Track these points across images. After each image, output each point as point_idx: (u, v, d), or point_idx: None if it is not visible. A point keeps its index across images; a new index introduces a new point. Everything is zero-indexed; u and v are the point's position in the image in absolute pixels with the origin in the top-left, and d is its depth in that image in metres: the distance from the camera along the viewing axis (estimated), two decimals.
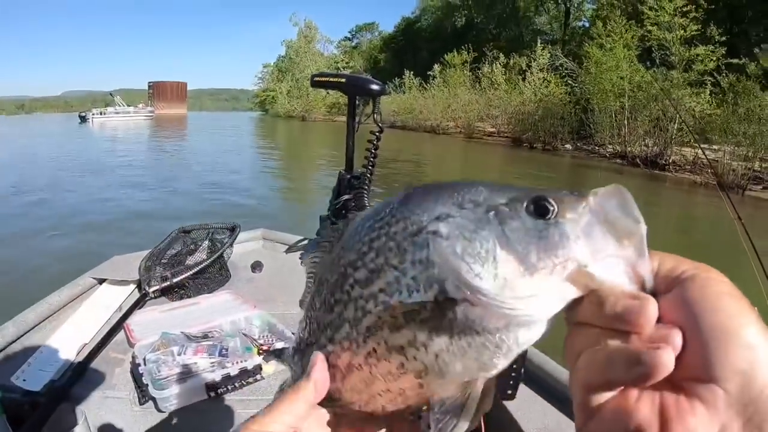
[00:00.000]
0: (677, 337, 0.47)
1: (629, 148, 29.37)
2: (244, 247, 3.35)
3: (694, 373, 0.46)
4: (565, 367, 1.88)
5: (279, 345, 2.17)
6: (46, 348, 2.19)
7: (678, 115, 24.64)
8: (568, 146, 35.21)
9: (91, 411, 1.86)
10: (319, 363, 0.69)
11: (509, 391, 1.49)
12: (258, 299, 2.66)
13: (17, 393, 1.86)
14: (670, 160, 26.45)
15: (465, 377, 0.61)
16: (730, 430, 0.45)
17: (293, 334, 2.06)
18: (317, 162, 23.89)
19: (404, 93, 57.21)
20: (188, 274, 2.70)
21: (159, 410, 1.88)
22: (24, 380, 1.95)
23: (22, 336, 2.29)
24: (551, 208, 0.56)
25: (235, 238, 3.08)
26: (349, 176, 2.80)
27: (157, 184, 17.27)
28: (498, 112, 42.93)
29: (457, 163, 28.17)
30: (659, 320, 0.49)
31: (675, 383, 0.47)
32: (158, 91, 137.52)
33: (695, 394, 0.46)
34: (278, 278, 3.06)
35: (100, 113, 79.40)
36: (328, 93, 73.14)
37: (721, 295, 0.48)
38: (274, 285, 2.97)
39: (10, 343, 2.22)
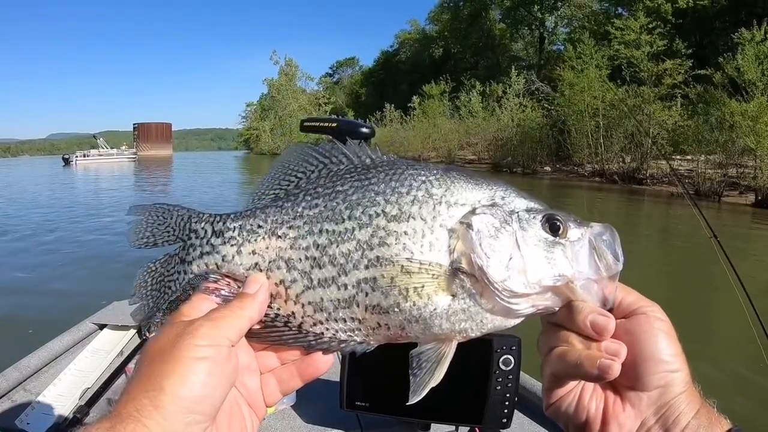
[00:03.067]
0: (624, 352, 0.72)
1: (607, 166, 29.73)
2: None
3: (629, 383, 0.74)
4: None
5: (285, 399, 2.14)
6: (48, 393, 2.16)
7: (649, 130, 25.69)
8: (547, 168, 35.25)
9: None
10: (264, 284, 0.78)
11: (504, 420, 1.67)
12: None
13: None
14: (648, 174, 26.94)
15: (444, 334, 0.77)
16: (648, 423, 0.74)
17: None
18: None
19: (385, 126, 57.14)
20: None
21: None
22: (27, 423, 1.95)
23: (24, 381, 2.30)
24: (561, 228, 0.75)
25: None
26: None
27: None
28: (477, 140, 42.99)
29: None
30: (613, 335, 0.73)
31: (615, 386, 0.77)
32: (143, 133, 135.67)
33: (627, 398, 0.76)
34: None
35: (84, 155, 78.53)
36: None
37: (659, 332, 0.74)
38: None
39: (14, 388, 2.24)
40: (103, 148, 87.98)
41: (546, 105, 37.83)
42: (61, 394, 2.19)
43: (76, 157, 76.66)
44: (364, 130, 2.31)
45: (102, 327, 2.83)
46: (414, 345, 0.81)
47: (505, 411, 1.65)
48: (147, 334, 2.50)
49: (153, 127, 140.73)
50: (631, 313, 0.77)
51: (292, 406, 2.19)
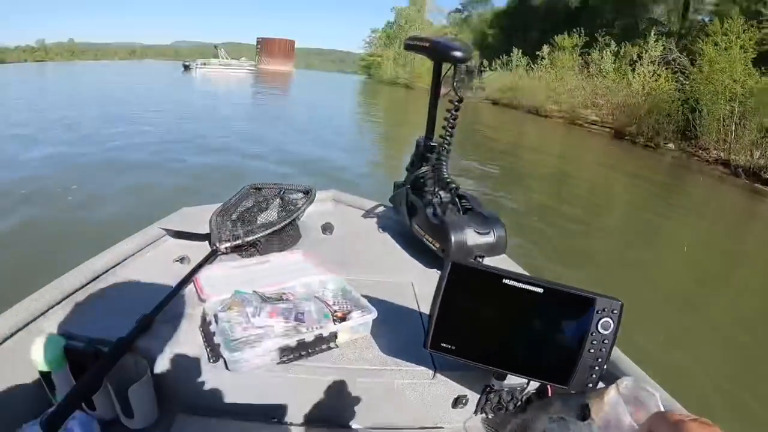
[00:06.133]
0: None
1: (733, 157, 27.33)
2: (315, 208, 3.18)
3: None
4: (637, 364, 1.98)
5: (356, 314, 2.06)
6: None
7: None
8: (670, 145, 33.51)
9: (157, 364, 1.81)
10: None
11: (590, 385, 1.59)
12: (329, 262, 2.51)
13: (80, 342, 1.81)
14: None
15: None
16: None
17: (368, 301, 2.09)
18: (414, 129, 22.99)
19: (511, 71, 56.64)
20: (262, 233, 2.54)
21: (228, 370, 1.80)
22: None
23: (87, 284, 2.22)
24: (588, 414, 0.84)
25: (311, 202, 2.92)
26: (430, 144, 2.96)
27: (231, 135, 17.25)
28: (603, 101, 41.60)
29: (556, 149, 27.22)
30: None
31: None
32: (266, 47, 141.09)
33: None
34: (349, 242, 2.95)
35: (203, 64, 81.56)
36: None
37: None
38: (345, 248, 2.84)
39: (76, 291, 2.15)
40: (223, 58, 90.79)
41: (681, 78, 36.09)
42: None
43: (197, 64, 79.71)
44: (457, 53, 2.43)
45: (170, 233, 2.77)
46: None
47: (593, 376, 1.59)
48: (217, 245, 2.52)
49: (276, 43, 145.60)
50: None
51: (365, 337, 2.10)
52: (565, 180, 16.73)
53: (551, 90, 46.98)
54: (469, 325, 1.69)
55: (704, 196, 18.85)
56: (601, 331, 1.56)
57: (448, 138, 2.68)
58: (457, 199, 2.70)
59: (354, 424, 1.98)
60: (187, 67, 76.86)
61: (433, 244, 2.63)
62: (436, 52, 2.65)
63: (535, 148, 25.48)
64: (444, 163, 2.73)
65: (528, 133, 33.63)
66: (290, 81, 76.15)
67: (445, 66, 2.70)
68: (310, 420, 1.94)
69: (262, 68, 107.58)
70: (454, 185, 2.66)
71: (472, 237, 2.51)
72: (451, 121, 2.64)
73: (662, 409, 0.69)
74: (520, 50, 58.42)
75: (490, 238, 2.55)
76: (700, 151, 30.81)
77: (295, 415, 1.93)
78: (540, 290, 1.55)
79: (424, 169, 2.88)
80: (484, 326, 1.65)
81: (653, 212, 13.48)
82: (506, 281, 1.57)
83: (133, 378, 1.73)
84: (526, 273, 2.08)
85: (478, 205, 2.73)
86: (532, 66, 54.39)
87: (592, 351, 1.57)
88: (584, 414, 0.63)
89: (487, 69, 61.74)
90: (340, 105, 39.18)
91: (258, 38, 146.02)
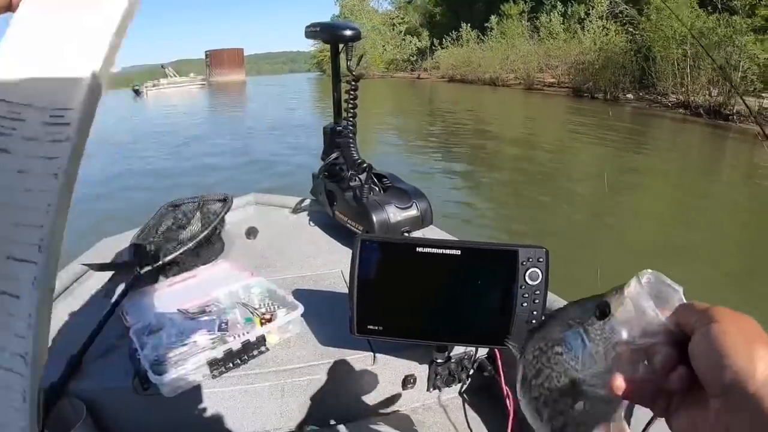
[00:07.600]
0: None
1: (692, 98, 27.62)
2: (237, 214, 3.10)
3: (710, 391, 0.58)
4: None
5: (281, 312, 1.98)
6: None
7: (739, 64, 23.63)
8: (629, 96, 33.61)
9: (92, 405, 1.73)
10: None
11: None
12: (255, 266, 2.45)
13: None
14: (734, 110, 24.35)
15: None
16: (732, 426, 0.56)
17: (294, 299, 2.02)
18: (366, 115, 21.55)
19: (462, 46, 56.58)
20: (180, 251, 2.49)
21: (162, 395, 1.69)
22: None
23: None
24: (608, 311, 0.68)
25: (227, 210, 2.82)
26: (337, 128, 2.88)
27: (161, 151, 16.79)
28: (557, 63, 41.55)
29: (519, 114, 27.18)
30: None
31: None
32: (215, 60, 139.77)
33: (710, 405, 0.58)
34: (274, 242, 2.85)
35: (153, 86, 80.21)
36: (384, 50, 72.84)
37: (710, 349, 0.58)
38: (270, 249, 2.76)
39: None
40: (171, 76, 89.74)
41: (630, 29, 36.14)
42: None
43: (146, 87, 78.24)
44: (347, 32, 2.59)
45: (92, 267, 2.61)
46: None
47: None
48: (138, 271, 2.34)
49: (225, 54, 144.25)
50: (692, 329, 0.61)
51: (297, 334, 2.00)
52: (531, 140, 16.80)
53: (504, 59, 46.98)
54: (392, 303, 1.62)
55: (670, 138, 19.49)
56: (530, 282, 1.50)
57: (351, 119, 2.66)
58: (374, 178, 2.66)
59: (301, 425, 1.93)
60: (137, 92, 75.29)
61: (357, 228, 2.59)
62: (327, 33, 2.69)
63: (496, 115, 25.55)
64: (352, 145, 2.69)
65: (487, 102, 33.55)
66: (243, 91, 74.47)
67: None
68: (254, 429, 1.87)
69: (213, 81, 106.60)
70: (365, 164, 2.59)
71: (394, 213, 2.48)
72: (351, 101, 2.61)
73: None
74: (468, 24, 58.23)
75: (413, 212, 2.52)
76: (660, 97, 30.98)
77: (237, 426, 1.86)
78: (457, 252, 1.48)
79: (334, 155, 2.81)
80: (408, 300, 1.58)
81: (623, 157, 13.74)
82: (420, 249, 1.50)
83: (72, 422, 1.64)
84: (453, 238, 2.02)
85: (398, 181, 2.71)
86: (482, 38, 54.31)
87: (525, 305, 1.52)
88: (603, 312, 0.54)
89: (438, 47, 61.57)
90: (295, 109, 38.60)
91: (206, 51, 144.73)
